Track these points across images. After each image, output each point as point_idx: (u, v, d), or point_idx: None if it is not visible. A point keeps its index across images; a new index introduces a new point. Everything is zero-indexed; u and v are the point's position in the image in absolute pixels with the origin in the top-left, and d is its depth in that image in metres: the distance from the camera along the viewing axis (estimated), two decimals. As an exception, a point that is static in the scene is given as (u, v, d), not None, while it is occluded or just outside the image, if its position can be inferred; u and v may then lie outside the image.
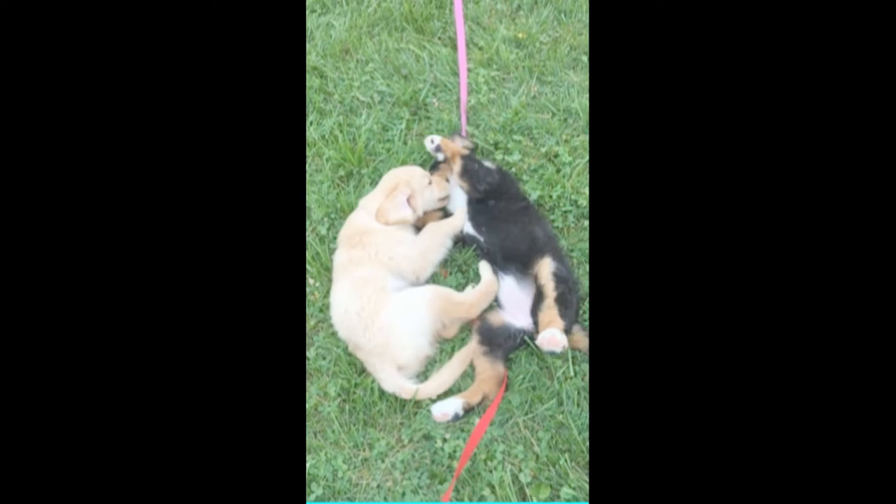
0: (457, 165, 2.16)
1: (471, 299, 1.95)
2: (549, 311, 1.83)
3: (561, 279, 1.88)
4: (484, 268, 2.04)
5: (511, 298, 1.99)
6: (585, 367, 1.88)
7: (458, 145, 2.30)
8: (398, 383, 1.85)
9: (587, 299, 1.98)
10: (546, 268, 1.90)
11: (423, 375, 1.93)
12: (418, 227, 2.17)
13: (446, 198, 2.23)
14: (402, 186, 2.08)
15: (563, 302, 1.84)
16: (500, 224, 2.06)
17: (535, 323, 1.88)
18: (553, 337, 1.75)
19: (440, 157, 2.24)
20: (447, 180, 2.25)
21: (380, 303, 1.89)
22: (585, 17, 2.78)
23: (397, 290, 1.97)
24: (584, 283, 2.02)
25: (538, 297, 1.89)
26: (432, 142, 2.24)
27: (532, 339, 1.91)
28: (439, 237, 2.10)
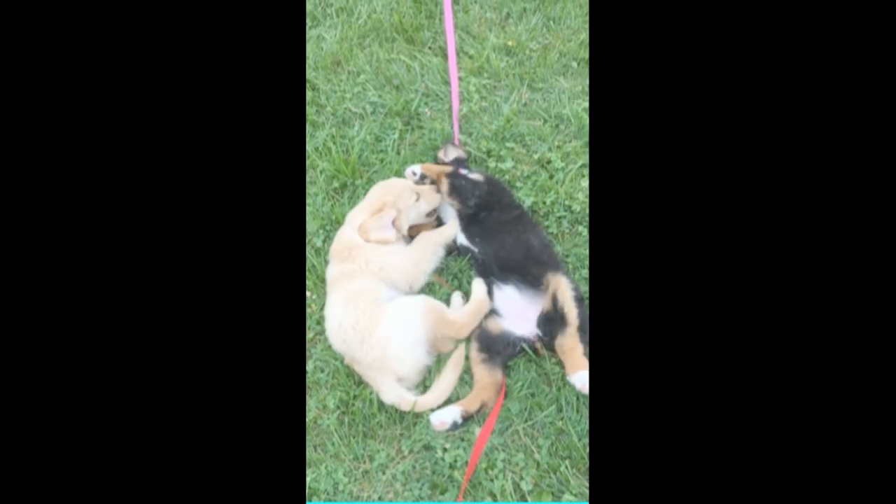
0: (444, 185, 2.14)
1: (462, 319, 1.95)
2: (572, 338, 1.83)
3: (581, 302, 1.89)
4: (477, 286, 2.03)
5: (512, 307, 1.99)
6: (584, 372, 1.88)
7: (452, 155, 2.31)
8: (398, 394, 1.84)
9: (585, 303, 1.98)
10: (566, 290, 1.89)
11: (422, 385, 1.93)
12: (411, 235, 2.17)
13: (435, 210, 2.22)
14: (389, 208, 2.07)
15: (584, 328, 1.85)
16: (494, 234, 2.05)
17: (547, 335, 1.89)
18: (587, 384, 1.74)
19: (427, 182, 2.20)
20: (438, 191, 2.23)
21: (375, 316, 1.88)
22: (575, 24, 2.80)
23: (390, 300, 1.97)
24: (580, 287, 2.02)
25: (560, 320, 1.87)
26: (414, 173, 2.21)
27: (531, 347, 1.92)
28: (431, 247, 2.09)
